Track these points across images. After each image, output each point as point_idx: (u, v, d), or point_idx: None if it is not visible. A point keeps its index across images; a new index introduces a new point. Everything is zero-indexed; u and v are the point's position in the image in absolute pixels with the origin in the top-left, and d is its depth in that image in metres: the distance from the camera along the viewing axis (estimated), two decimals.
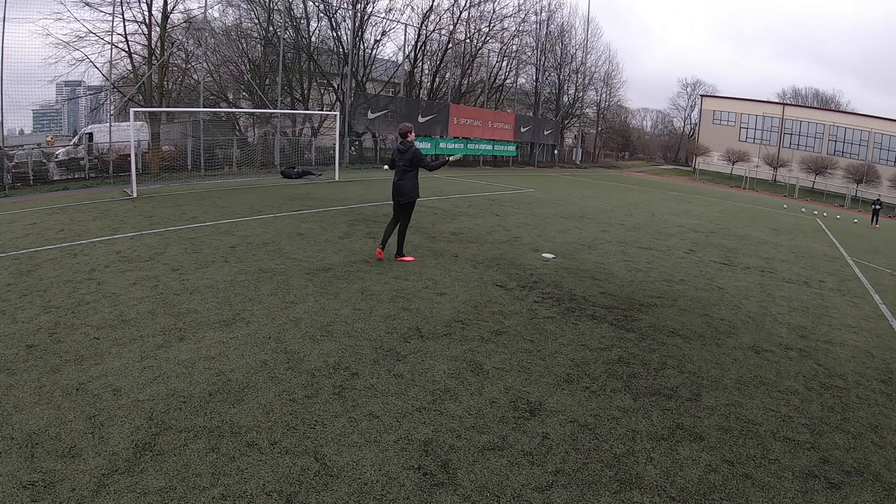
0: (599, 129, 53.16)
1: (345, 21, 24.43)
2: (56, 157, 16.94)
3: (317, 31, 24.49)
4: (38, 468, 2.54)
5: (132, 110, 12.98)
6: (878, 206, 26.08)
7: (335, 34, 24.64)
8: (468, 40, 31.96)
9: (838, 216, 26.50)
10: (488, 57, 33.60)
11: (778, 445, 3.21)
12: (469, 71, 33.24)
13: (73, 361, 3.65)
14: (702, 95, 60.19)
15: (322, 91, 25.61)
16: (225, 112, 22.12)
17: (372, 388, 3.52)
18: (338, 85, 25.00)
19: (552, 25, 38.95)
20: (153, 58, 17.92)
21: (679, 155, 64.55)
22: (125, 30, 17.47)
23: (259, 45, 22.77)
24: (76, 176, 16.66)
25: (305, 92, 24.34)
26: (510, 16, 34.34)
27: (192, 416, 3.05)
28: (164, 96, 18.71)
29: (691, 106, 66.82)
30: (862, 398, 4.02)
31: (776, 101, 56.11)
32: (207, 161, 18.40)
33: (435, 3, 28.86)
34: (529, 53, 37.36)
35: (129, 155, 13.37)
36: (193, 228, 8.25)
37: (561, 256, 7.88)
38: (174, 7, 18.51)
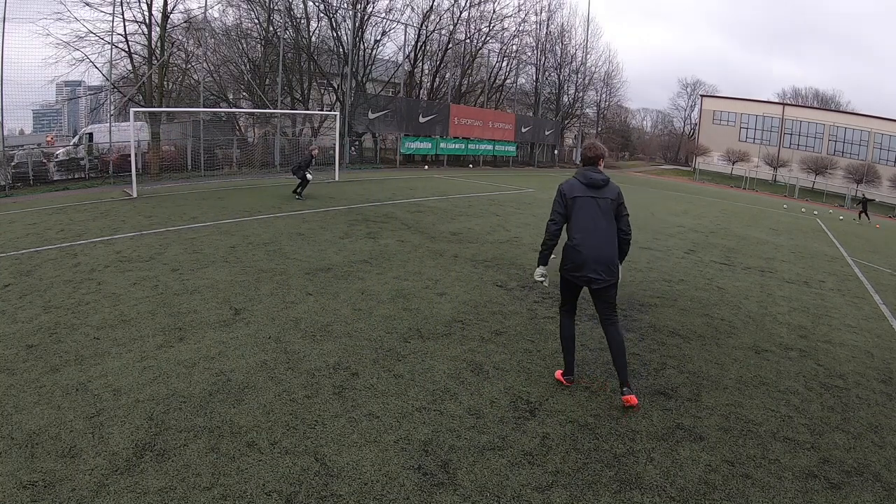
0: (599, 129, 53.11)
1: (345, 21, 24.43)
2: (56, 158, 16.95)
3: (317, 31, 24.53)
4: (38, 468, 2.54)
5: (132, 110, 12.99)
6: (864, 204, 25.72)
7: (335, 34, 24.65)
8: (468, 40, 31.93)
9: (829, 212, 26.45)
10: (488, 57, 33.58)
11: (778, 445, 3.21)
12: (469, 71, 33.19)
13: (73, 361, 3.65)
14: (702, 95, 60.12)
15: (322, 91, 25.61)
16: (225, 112, 22.12)
17: (372, 388, 3.52)
18: (338, 85, 24.99)
19: (552, 26, 38.89)
20: (153, 58, 17.92)
21: (679, 155, 64.45)
22: (125, 30, 17.49)
23: (259, 45, 22.78)
24: (76, 176, 16.67)
25: (305, 92, 24.34)
26: (510, 16, 34.41)
27: (192, 416, 3.05)
28: (164, 96, 18.70)
29: (691, 106, 66.84)
30: (862, 398, 4.02)
31: (776, 101, 56.10)
32: (207, 161, 18.41)
33: (435, 3, 28.85)
34: (529, 53, 37.33)
35: (129, 155, 13.37)
36: (193, 228, 8.25)
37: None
38: (174, 7, 18.53)
